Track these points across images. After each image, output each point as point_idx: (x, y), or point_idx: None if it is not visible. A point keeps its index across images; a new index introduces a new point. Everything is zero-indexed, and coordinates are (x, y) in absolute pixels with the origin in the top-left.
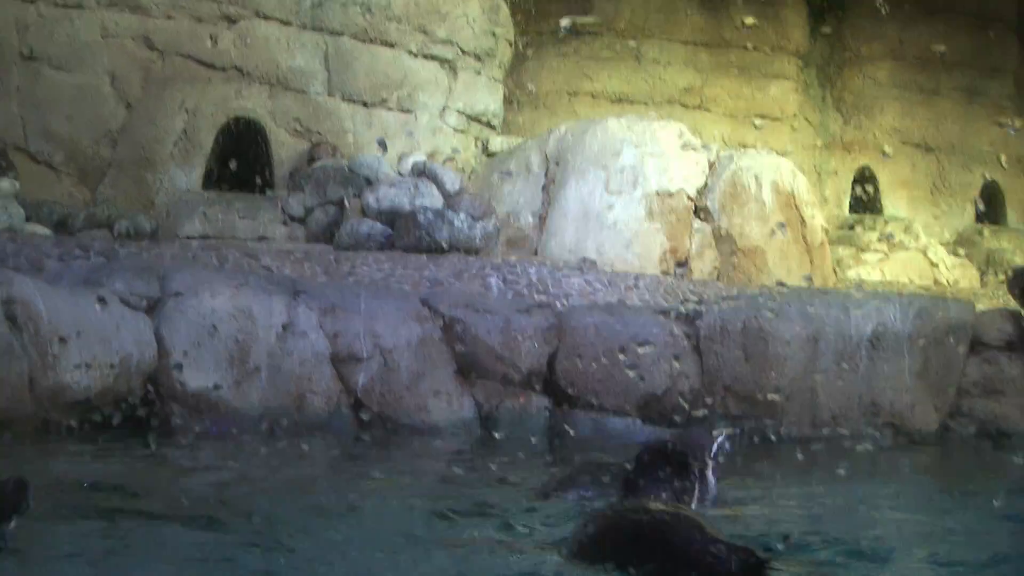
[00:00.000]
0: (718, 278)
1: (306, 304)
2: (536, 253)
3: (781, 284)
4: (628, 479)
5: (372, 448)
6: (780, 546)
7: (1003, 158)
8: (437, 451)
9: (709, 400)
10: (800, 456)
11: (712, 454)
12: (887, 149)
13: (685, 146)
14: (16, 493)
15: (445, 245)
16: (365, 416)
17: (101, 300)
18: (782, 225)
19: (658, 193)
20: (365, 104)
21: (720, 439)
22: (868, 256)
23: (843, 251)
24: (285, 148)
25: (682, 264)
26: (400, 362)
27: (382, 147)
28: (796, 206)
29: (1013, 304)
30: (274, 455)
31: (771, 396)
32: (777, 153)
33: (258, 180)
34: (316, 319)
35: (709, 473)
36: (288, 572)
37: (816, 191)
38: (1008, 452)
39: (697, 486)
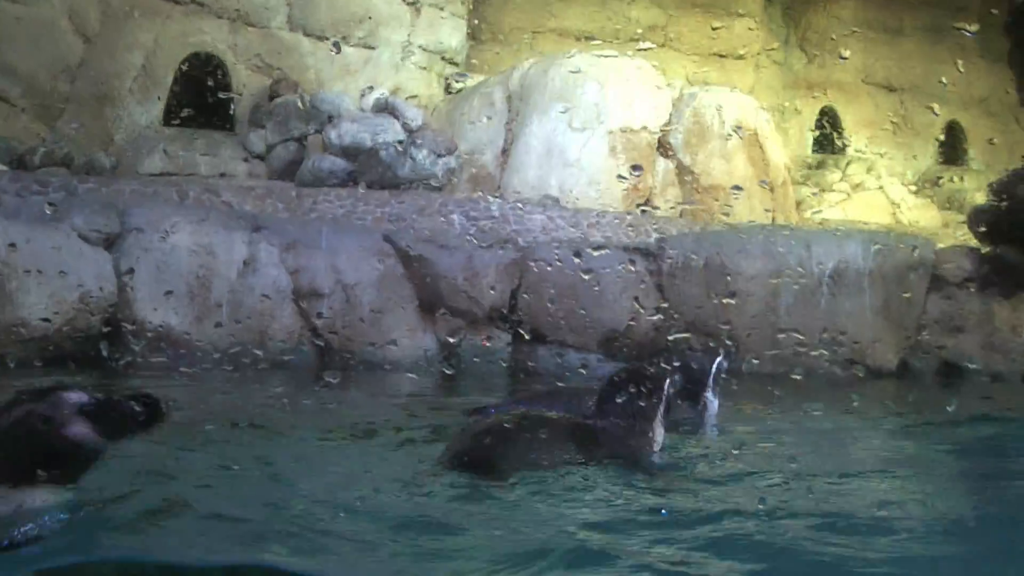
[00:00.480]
0: (681, 215)
1: (267, 240)
2: (499, 190)
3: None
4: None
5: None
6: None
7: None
8: (397, 386)
9: (671, 336)
10: (768, 389)
11: (712, 378)
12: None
13: (648, 82)
14: (151, 407)
15: (407, 181)
16: (327, 351)
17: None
18: (764, 182)
19: (621, 130)
20: (327, 39)
21: (719, 360)
22: (830, 196)
23: (805, 191)
24: (246, 84)
25: (646, 201)
26: (362, 298)
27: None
28: (759, 144)
29: (973, 242)
30: (234, 389)
31: (734, 331)
32: (741, 92)
33: (219, 116)
34: (277, 255)
35: (710, 396)
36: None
37: (779, 130)
38: (964, 385)
39: (703, 412)
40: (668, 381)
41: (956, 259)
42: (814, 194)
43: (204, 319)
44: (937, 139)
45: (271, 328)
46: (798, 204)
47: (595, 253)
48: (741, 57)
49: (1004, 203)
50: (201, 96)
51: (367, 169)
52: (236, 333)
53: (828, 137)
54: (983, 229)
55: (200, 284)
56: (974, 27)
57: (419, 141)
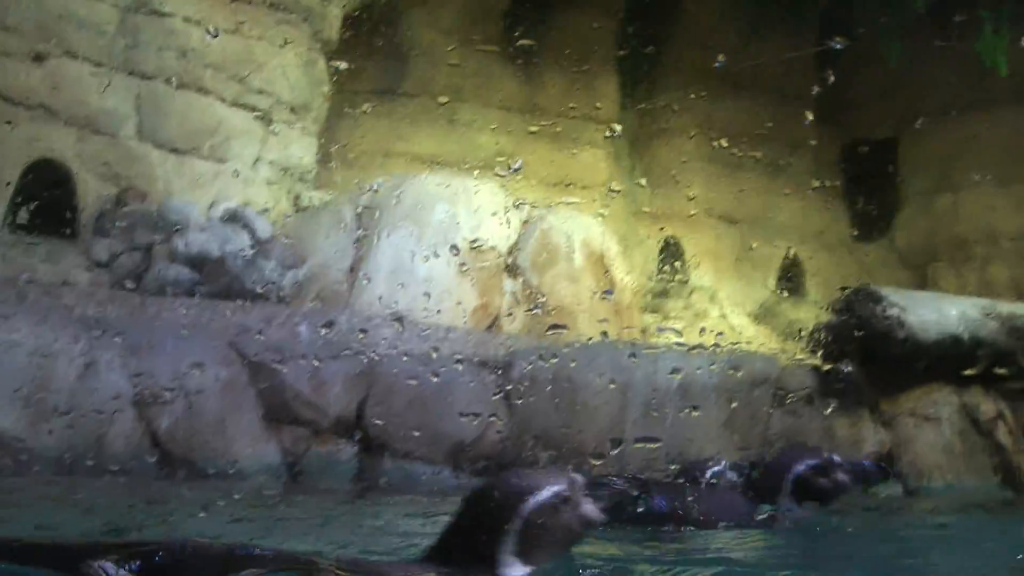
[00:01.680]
0: (528, 332)
1: (108, 343)
2: (347, 306)
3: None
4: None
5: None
6: None
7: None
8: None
9: (518, 448)
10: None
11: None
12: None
13: (497, 204)
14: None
15: (255, 292)
16: (168, 460)
17: None
18: (609, 292)
19: (470, 249)
20: (177, 151)
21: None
22: (674, 323)
23: (650, 318)
24: (92, 192)
25: (493, 321)
26: (205, 405)
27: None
28: (606, 266)
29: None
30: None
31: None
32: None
33: (62, 223)
34: (119, 359)
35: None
36: None
37: (625, 258)
38: None
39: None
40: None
41: (798, 376)
42: (658, 321)
43: (39, 423)
44: (776, 271)
45: (110, 433)
46: (643, 331)
47: (443, 366)
48: (587, 187)
49: (844, 320)
50: (44, 203)
51: (214, 279)
52: (74, 437)
53: (671, 266)
54: (824, 346)
55: (37, 387)
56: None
57: (267, 252)
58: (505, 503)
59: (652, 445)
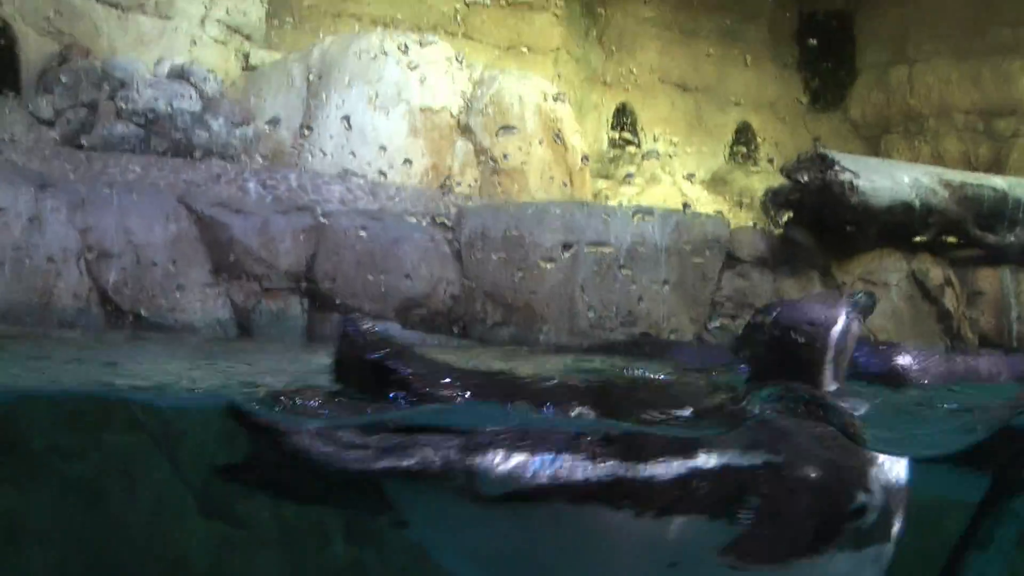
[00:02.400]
0: (479, 193)
1: (55, 197)
2: (297, 166)
3: None
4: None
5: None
6: None
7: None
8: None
9: (469, 306)
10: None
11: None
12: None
13: (450, 62)
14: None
15: (202, 149)
16: (116, 314)
17: None
18: (585, 158)
19: (421, 109)
20: (121, 7)
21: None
22: (625, 189)
23: (602, 183)
24: (34, 49)
25: (444, 182)
26: (154, 259)
27: None
28: (557, 129)
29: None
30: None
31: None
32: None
33: (5, 81)
34: (65, 213)
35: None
36: None
37: (577, 123)
38: None
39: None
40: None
41: (750, 239)
42: (610, 187)
43: None
44: (729, 140)
45: (57, 288)
46: (595, 195)
47: (394, 221)
48: (540, 51)
49: (797, 185)
50: None
51: (161, 136)
52: (19, 292)
53: (624, 133)
54: (775, 210)
55: None
56: None
57: (215, 110)
58: (818, 334)
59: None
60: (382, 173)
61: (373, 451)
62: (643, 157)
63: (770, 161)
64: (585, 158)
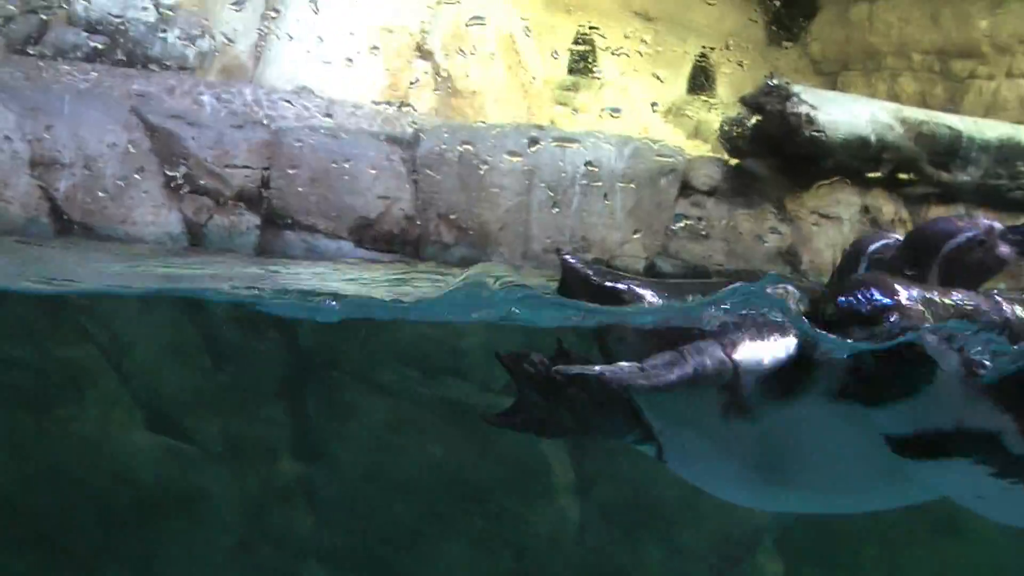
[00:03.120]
0: (436, 113)
1: (3, 105)
2: (252, 81)
3: None
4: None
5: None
6: None
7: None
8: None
9: (422, 226)
10: None
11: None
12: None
13: None
14: None
15: (156, 61)
16: (66, 224)
17: None
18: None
19: (381, 28)
20: None
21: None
22: (583, 118)
23: (559, 110)
24: None
25: (402, 103)
26: (105, 170)
27: None
28: (516, 51)
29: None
30: None
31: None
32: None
33: None
34: (14, 121)
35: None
36: None
37: (537, 49)
38: None
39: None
40: None
41: (705, 168)
42: (567, 115)
43: None
44: (688, 71)
45: (5, 198)
46: (552, 121)
47: (349, 138)
48: None
49: (754, 115)
50: None
51: (115, 45)
52: None
53: (583, 60)
54: (731, 140)
55: None
56: None
57: (171, 21)
58: (930, 243)
59: None
60: (339, 88)
61: (661, 366)
62: (601, 86)
63: (730, 96)
64: (542, 82)
